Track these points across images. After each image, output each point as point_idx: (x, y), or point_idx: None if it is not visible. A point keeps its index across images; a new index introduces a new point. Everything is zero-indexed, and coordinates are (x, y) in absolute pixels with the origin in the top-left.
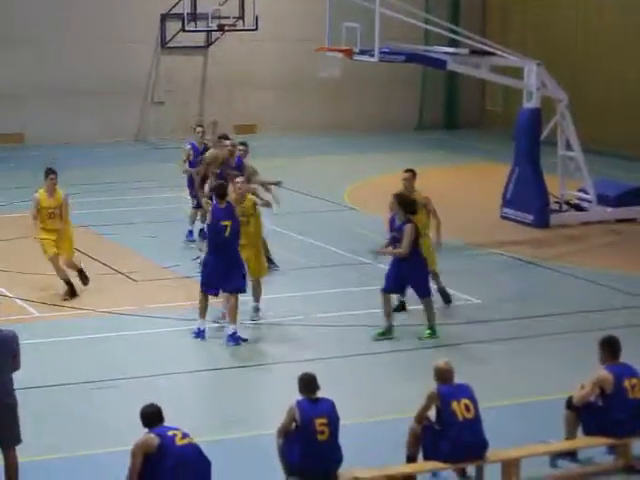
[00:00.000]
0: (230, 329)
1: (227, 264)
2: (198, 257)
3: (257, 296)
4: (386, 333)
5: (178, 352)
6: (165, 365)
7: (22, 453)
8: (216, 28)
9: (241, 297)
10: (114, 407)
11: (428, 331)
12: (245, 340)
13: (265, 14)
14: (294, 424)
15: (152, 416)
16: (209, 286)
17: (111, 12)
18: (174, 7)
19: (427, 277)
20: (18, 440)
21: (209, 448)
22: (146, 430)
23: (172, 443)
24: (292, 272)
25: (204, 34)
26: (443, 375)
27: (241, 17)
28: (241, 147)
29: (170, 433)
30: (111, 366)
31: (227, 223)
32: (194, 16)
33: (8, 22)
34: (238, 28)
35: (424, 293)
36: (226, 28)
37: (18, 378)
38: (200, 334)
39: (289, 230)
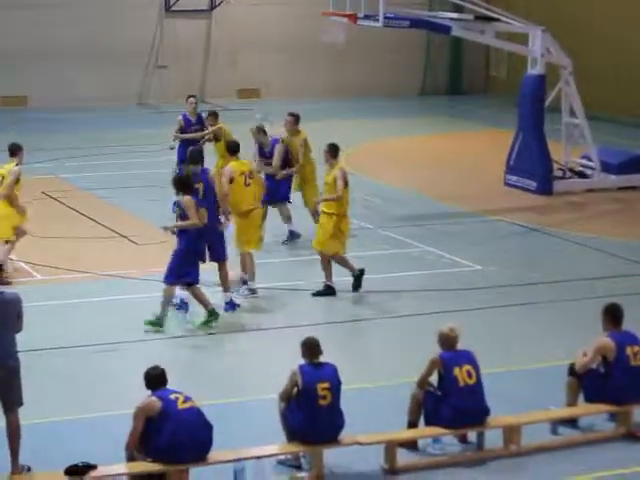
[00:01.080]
0: (226, 296)
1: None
2: None
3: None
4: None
5: (178, 316)
6: (166, 328)
7: (23, 416)
8: None
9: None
10: (115, 370)
11: (205, 319)
12: (238, 305)
13: None
14: (296, 388)
15: (156, 379)
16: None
17: None
18: None
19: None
20: (20, 402)
21: (210, 412)
22: (149, 392)
23: (174, 406)
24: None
25: None
26: (447, 341)
27: None
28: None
29: (172, 396)
30: (112, 329)
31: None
32: None
33: None
34: None
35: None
36: None
37: (19, 341)
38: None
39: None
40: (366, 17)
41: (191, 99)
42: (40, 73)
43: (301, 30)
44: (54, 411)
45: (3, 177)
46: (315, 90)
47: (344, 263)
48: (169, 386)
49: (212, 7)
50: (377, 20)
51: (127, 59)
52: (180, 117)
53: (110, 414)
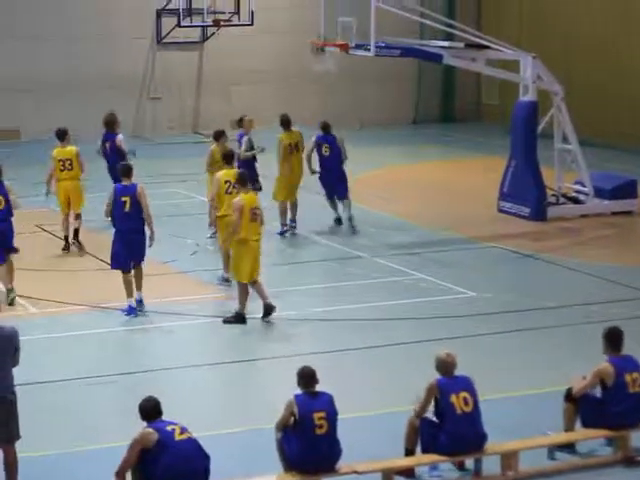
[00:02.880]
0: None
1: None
2: (195, 252)
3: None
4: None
5: (175, 347)
6: (162, 360)
7: (20, 449)
8: (211, 23)
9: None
10: (110, 403)
11: None
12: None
13: (260, 9)
14: (293, 418)
15: (150, 410)
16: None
17: (107, 7)
18: (169, 3)
19: None
20: (17, 436)
21: (207, 442)
22: (144, 424)
23: (171, 438)
24: (289, 266)
25: (199, 29)
26: (444, 366)
27: (236, 12)
28: None
29: (169, 428)
30: (108, 362)
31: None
32: (189, 11)
33: (6, 16)
34: (234, 23)
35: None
36: (222, 23)
37: (15, 374)
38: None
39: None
40: (357, 46)
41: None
42: (32, 105)
43: (292, 60)
44: (52, 444)
45: (71, 161)
46: (308, 120)
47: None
48: (166, 417)
49: (204, 39)
50: (368, 49)
51: (120, 91)
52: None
53: (107, 446)
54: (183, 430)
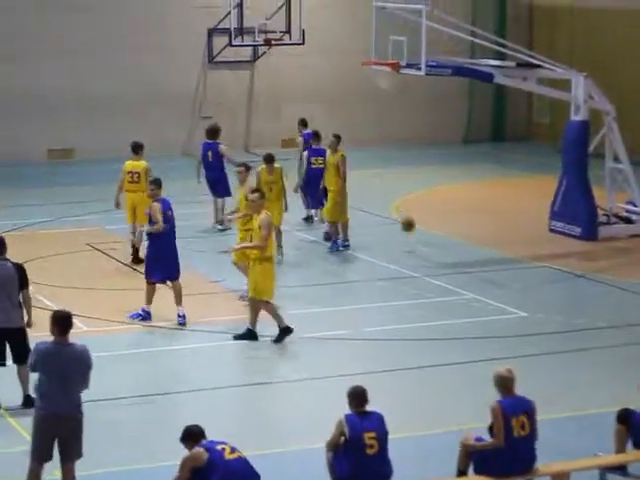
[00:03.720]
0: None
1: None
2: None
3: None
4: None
5: (222, 365)
6: (210, 379)
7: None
8: (263, 42)
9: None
10: (161, 421)
11: None
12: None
13: (311, 28)
14: (343, 438)
15: (197, 434)
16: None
17: (159, 26)
18: (221, 22)
19: None
20: (80, 454)
21: (257, 462)
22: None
23: (221, 457)
24: (340, 286)
25: (251, 48)
26: (504, 383)
27: (287, 31)
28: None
29: (219, 447)
30: (160, 380)
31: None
32: (241, 31)
33: (57, 34)
34: (285, 42)
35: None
36: (273, 42)
37: None
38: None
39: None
40: (409, 66)
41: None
42: (85, 124)
43: (343, 79)
44: (107, 462)
45: (139, 174)
46: (358, 139)
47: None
48: (214, 437)
49: (255, 58)
50: (419, 68)
51: (171, 110)
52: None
53: (162, 465)
54: (233, 450)
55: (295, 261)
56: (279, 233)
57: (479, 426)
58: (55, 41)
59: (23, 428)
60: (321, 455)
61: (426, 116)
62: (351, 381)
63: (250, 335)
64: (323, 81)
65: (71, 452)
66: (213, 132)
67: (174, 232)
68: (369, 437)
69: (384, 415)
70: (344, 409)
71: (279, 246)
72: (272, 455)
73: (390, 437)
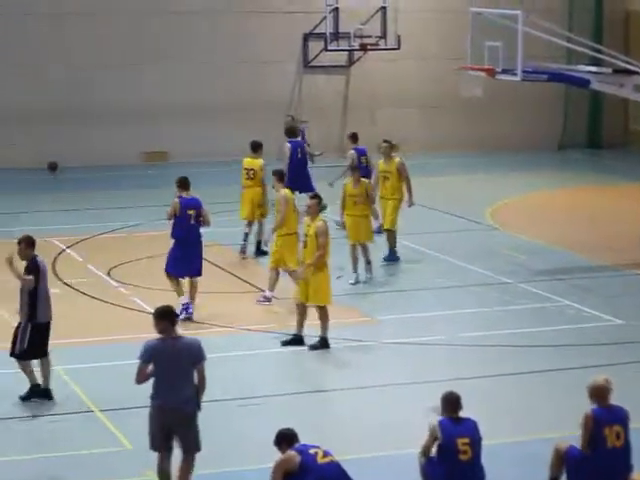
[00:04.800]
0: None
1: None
2: (340, 276)
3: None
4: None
5: (328, 369)
6: (302, 384)
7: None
8: (358, 47)
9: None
10: (254, 424)
11: None
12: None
13: (407, 33)
14: (436, 443)
15: (290, 437)
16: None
17: (255, 31)
18: (317, 26)
19: None
20: (196, 448)
21: (349, 466)
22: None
23: (313, 461)
24: (434, 291)
25: (346, 53)
26: (600, 392)
27: (383, 36)
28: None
29: (311, 451)
30: (252, 383)
31: (192, 212)
32: (336, 35)
33: (154, 38)
34: (380, 47)
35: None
36: (368, 47)
37: (144, 394)
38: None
39: (431, 249)
40: (504, 71)
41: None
42: (180, 128)
43: (438, 84)
44: (206, 463)
45: (255, 171)
46: (454, 145)
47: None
48: (313, 441)
49: (350, 63)
50: (515, 74)
51: (267, 114)
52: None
53: (252, 468)
54: (326, 453)
55: (387, 267)
56: (365, 249)
57: (574, 433)
58: (152, 48)
59: (117, 428)
60: (413, 460)
61: (520, 122)
62: (445, 387)
63: (296, 341)
64: (417, 86)
65: (185, 444)
66: (296, 130)
67: (197, 230)
68: (462, 443)
69: (477, 421)
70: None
71: (368, 262)
72: (364, 460)
73: (483, 443)
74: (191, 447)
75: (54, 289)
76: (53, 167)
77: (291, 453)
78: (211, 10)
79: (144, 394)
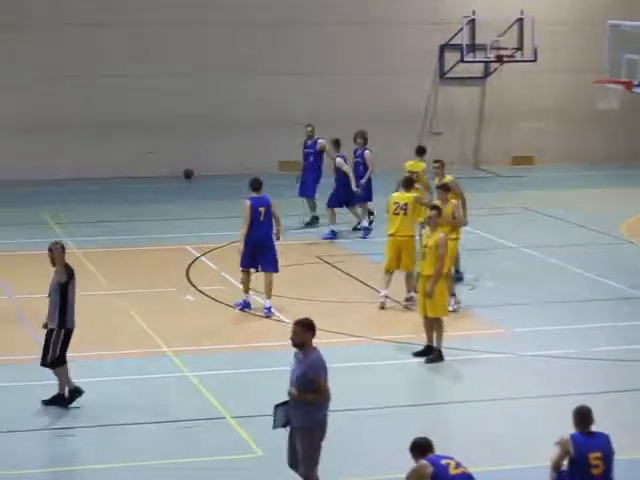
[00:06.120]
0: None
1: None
2: (473, 287)
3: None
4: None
5: (458, 381)
6: (445, 393)
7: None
8: (494, 59)
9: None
10: (386, 434)
11: None
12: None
13: (543, 45)
14: (568, 457)
15: (424, 447)
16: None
17: (392, 42)
18: (453, 38)
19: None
20: (303, 467)
21: (480, 478)
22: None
23: (446, 472)
24: (569, 305)
25: (482, 65)
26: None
27: (520, 48)
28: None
29: (444, 462)
30: (381, 393)
31: (262, 209)
32: (473, 47)
33: (290, 49)
34: (517, 59)
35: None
36: (504, 59)
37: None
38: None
39: (566, 263)
40: None
41: (308, 128)
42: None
43: (574, 97)
44: (327, 472)
45: (417, 174)
46: (589, 157)
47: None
48: (441, 451)
49: (486, 74)
50: None
51: (402, 125)
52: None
53: (380, 478)
54: (458, 465)
55: (521, 279)
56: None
57: None
58: (286, 58)
59: (248, 434)
60: (541, 474)
61: None
62: (577, 401)
63: (427, 352)
64: (553, 98)
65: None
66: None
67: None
68: (594, 457)
69: (610, 436)
70: (568, 428)
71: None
72: (498, 472)
73: (616, 458)
74: (300, 465)
75: (188, 296)
76: (189, 175)
77: (424, 463)
78: (348, 22)
79: (275, 402)
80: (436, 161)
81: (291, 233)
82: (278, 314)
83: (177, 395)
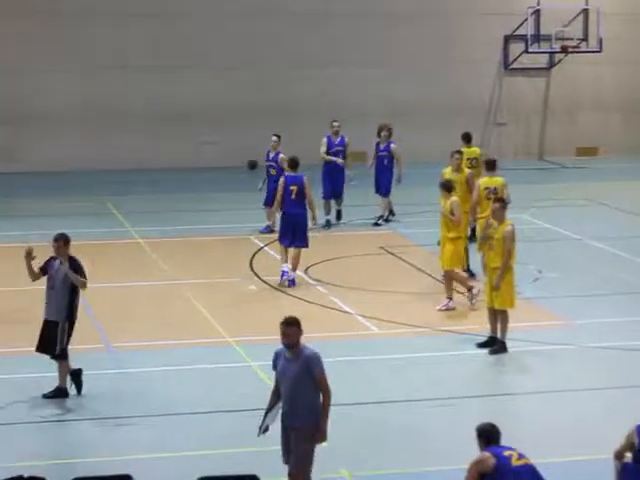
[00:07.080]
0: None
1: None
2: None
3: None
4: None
5: (519, 373)
6: (504, 386)
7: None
8: (559, 49)
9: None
10: (450, 425)
11: None
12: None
13: (608, 35)
14: (633, 449)
15: (492, 435)
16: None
17: (456, 33)
18: (518, 28)
19: None
20: (296, 468)
21: (545, 469)
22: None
23: (508, 463)
24: (633, 296)
25: (547, 56)
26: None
27: (585, 39)
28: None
29: (506, 453)
30: (449, 384)
31: (294, 187)
32: (537, 37)
33: (354, 40)
34: (582, 50)
35: None
36: (569, 50)
37: (342, 393)
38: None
39: (627, 253)
40: None
41: (335, 123)
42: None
43: (639, 88)
44: (389, 463)
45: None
46: None
47: None
48: (506, 442)
49: (551, 65)
50: None
51: (466, 116)
52: (325, 139)
53: (445, 468)
54: (521, 456)
55: (585, 270)
56: None
57: None
58: (353, 50)
59: None
60: (607, 466)
61: None
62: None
63: (492, 342)
64: (618, 89)
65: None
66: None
67: (300, 204)
68: None
69: None
70: (634, 420)
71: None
72: (561, 464)
73: None
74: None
75: (251, 286)
76: (253, 166)
77: (486, 455)
78: (412, 14)
79: (338, 393)
80: (457, 152)
81: (350, 225)
82: (342, 304)
83: (240, 385)
